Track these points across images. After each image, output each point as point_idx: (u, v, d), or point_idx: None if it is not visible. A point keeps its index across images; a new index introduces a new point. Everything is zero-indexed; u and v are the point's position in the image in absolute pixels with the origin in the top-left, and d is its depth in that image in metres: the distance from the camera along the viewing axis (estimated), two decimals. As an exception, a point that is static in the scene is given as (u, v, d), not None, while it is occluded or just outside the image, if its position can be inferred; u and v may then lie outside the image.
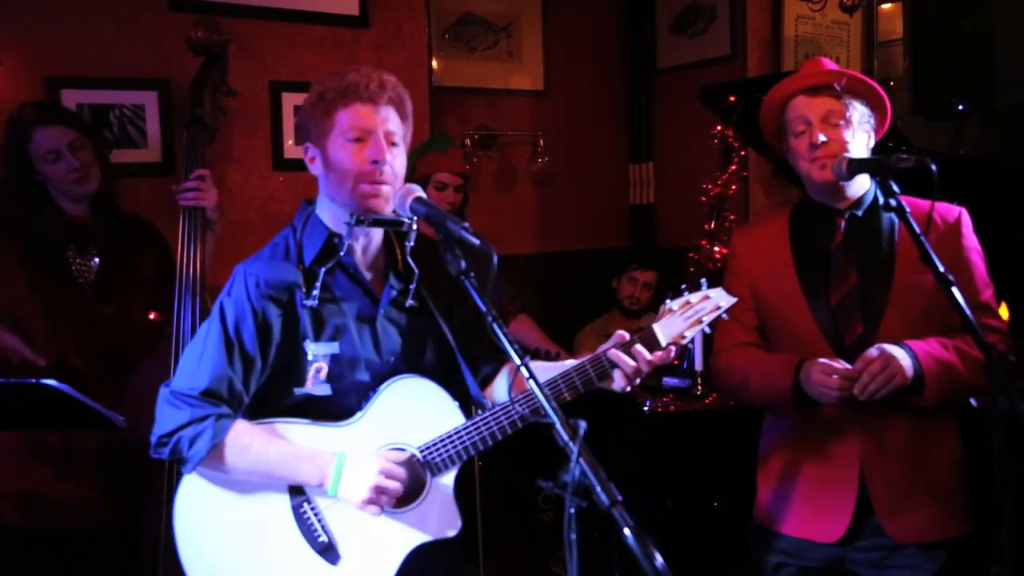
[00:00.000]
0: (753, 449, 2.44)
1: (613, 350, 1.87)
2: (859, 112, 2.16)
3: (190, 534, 1.90)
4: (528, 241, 4.96)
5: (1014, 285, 2.21)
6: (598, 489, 1.36)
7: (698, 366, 3.32)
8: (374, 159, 1.86)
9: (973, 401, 1.68)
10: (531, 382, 1.50)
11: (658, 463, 3.37)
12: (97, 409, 2.12)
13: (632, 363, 1.85)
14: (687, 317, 1.91)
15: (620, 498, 1.36)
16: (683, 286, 1.95)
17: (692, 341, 1.94)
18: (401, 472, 1.85)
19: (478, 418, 1.90)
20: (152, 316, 2.80)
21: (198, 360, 1.88)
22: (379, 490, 1.81)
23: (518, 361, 1.51)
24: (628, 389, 1.88)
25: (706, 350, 3.28)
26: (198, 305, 2.66)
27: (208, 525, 1.91)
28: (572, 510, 1.38)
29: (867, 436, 2.15)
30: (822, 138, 2.11)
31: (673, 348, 1.89)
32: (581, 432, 1.42)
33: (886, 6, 5.15)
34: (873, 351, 2.01)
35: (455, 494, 1.93)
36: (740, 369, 2.28)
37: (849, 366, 2.04)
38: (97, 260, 2.73)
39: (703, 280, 1.95)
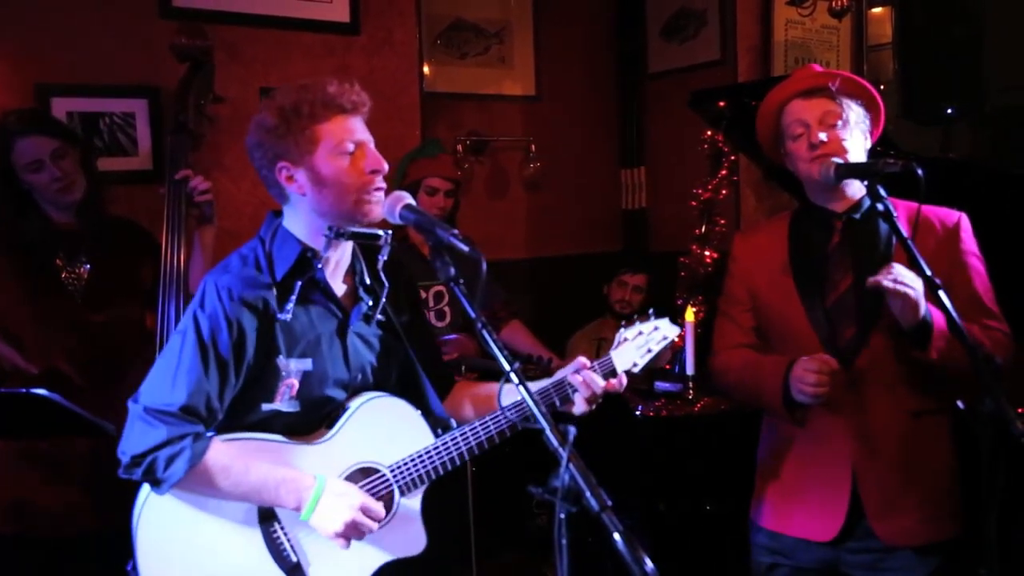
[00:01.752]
0: (745, 452, 2.45)
1: (574, 375, 1.95)
2: (855, 113, 2.17)
3: (153, 550, 1.84)
4: (520, 246, 4.97)
5: (1004, 288, 2.22)
6: (588, 494, 1.37)
7: (689, 370, 3.32)
8: (373, 169, 1.84)
9: (960, 403, 1.69)
10: (521, 388, 1.51)
11: (650, 467, 3.37)
12: (88, 418, 2.12)
13: (590, 388, 1.93)
14: (639, 346, 2.08)
15: (610, 503, 1.36)
16: (634, 316, 2.14)
17: (641, 369, 2.08)
18: (379, 511, 1.84)
19: (447, 438, 1.91)
20: (150, 323, 2.79)
21: (173, 375, 1.80)
22: (354, 526, 1.80)
23: (507, 367, 1.52)
24: (586, 413, 1.96)
25: (700, 353, 3.29)
26: (182, 306, 2.65)
27: (173, 540, 1.84)
28: (562, 515, 1.38)
29: (858, 438, 2.15)
30: (822, 137, 2.12)
31: (624, 377, 2.01)
32: (571, 438, 1.43)
33: (876, 10, 5.17)
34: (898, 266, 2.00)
35: (421, 513, 1.94)
36: (735, 370, 2.31)
37: (834, 361, 2.05)
38: (87, 267, 2.73)
39: (651, 310, 2.12)
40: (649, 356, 2.07)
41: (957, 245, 2.18)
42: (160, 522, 1.85)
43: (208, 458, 1.78)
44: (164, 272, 2.68)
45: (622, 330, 2.08)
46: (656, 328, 2.10)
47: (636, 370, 2.05)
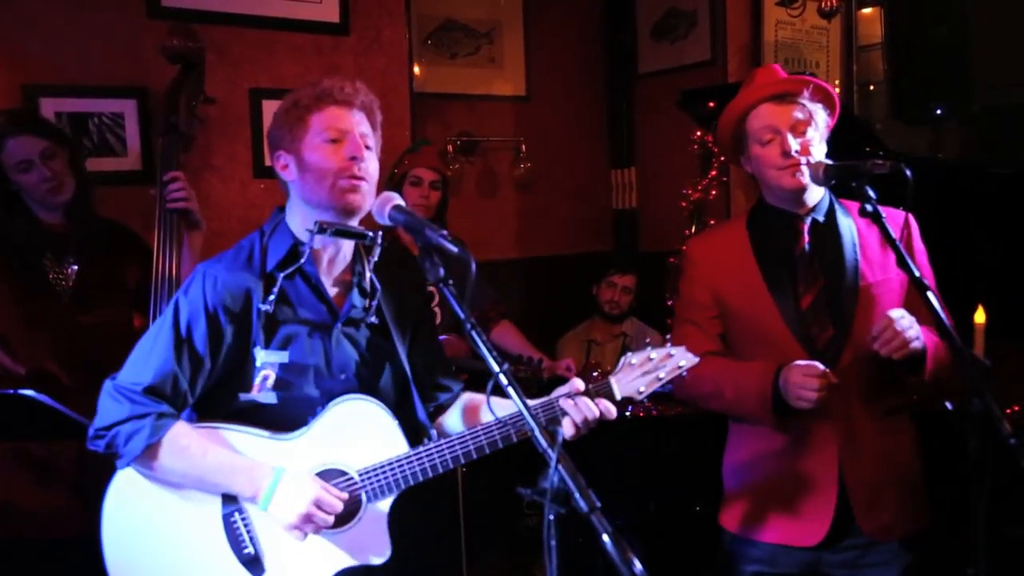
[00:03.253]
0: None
1: (565, 398, 1.87)
2: (821, 118, 2.18)
3: (116, 530, 1.88)
4: (511, 246, 4.97)
5: (991, 287, 2.23)
6: (577, 495, 1.37)
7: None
8: (351, 155, 1.85)
9: (948, 404, 1.69)
10: (510, 389, 1.51)
11: (640, 468, 3.37)
12: (76, 419, 2.11)
13: (582, 414, 1.85)
14: (646, 371, 1.94)
15: (599, 504, 1.37)
16: (647, 340, 2.00)
17: (645, 397, 1.95)
18: (336, 505, 1.83)
19: (421, 449, 1.89)
20: (137, 323, 2.78)
21: (147, 355, 1.86)
22: (308, 519, 1.80)
23: (496, 369, 1.52)
24: (574, 437, 1.86)
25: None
26: None
27: (136, 524, 1.88)
28: (551, 517, 1.38)
29: (844, 439, 2.17)
30: (796, 146, 2.12)
31: (613, 410, 1.89)
32: (559, 439, 1.43)
33: (866, 10, 5.19)
34: (894, 313, 2.01)
35: (388, 522, 1.92)
36: (710, 378, 2.24)
37: (828, 370, 2.05)
38: (75, 268, 2.72)
39: (668, 336, 2.00)
40: (657, 385, 1.94)
41: (909, 244, 2.20)
42: (124, 506, 1.88)
43: (167, 438, 1.81)
44: (156, 273, 2.67)
45: (628, 355, 1.95)
46: (670, 355, 1.95)
47: (640, 398, 1.93)
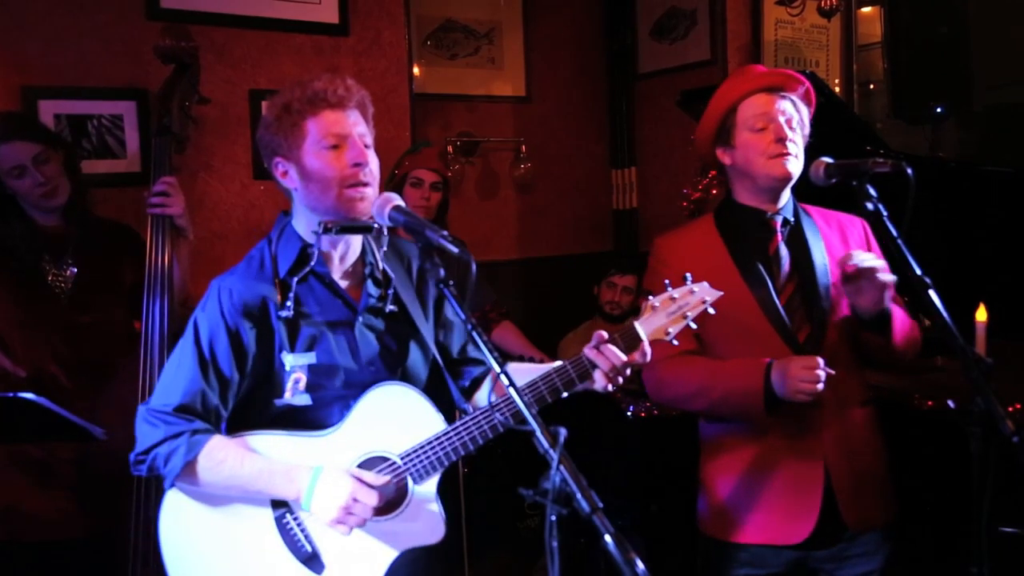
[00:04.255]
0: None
1: (591, 349, 1.85)
2: (807, 120, 2.24)
3: (175, 547, 1.91)
4: (511, 247, 4.96)
5: (991, 286, 2.22)
6: (579, 496, 1.37)
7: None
8: (356, 162, 1.85)
9: (951, 403, 1.69)
10: (511, 389, 1.51)
11: (642, 467, 3.37)
12: (76, 422, 2.11)
13: (609, 361, 1.83)
14: (670, 312, 1.90)
15: (601, 504, 1.36)
16: (666, 282, 1.92)
17: (673, 337, 1.91)
18: (372, 494, 1.82)
19: (458, 424, 1.89)
20: (137, 325, 2.78)
21: (173, 377, 1.89)
22: (347, 512, 1.81)
23: (497, 368, 1.51)
24: (609, 388, 1.86)
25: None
26: (167, 307, 2.64)
27: (192, 538, 1.91)
28: (553, 517, 1.38)
29: (828, 432, 2.18)
30: (791, 134, 2.16)
31: (649, 349, 1.87)
32: (561, 439, 1.42)
33: (866, 9, 5.19)
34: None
35: (438, 500, 1.93)
36: (692, 379, 2.23)
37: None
38: (74, 270, 2.72)
39: (687, 275, 1.91)
40: (684, 323, 1.89)
41: (868, 247, 2.26)
42: (179, 521, 1.91)
43: (203, 453, 1.83)
44: (148, 273, 2.66)
45: (650, 298, 1.90)
46: (693, 292, 1.90)
47: (669, 339, 1.89)
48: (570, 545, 1.36)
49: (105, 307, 2.75)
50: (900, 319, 2.15)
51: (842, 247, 2.25)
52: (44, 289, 2.67)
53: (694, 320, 1.91)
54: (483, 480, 3.37)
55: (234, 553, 1.90)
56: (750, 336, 2.21)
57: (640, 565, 1.29)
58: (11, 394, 2.00)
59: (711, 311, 1.90)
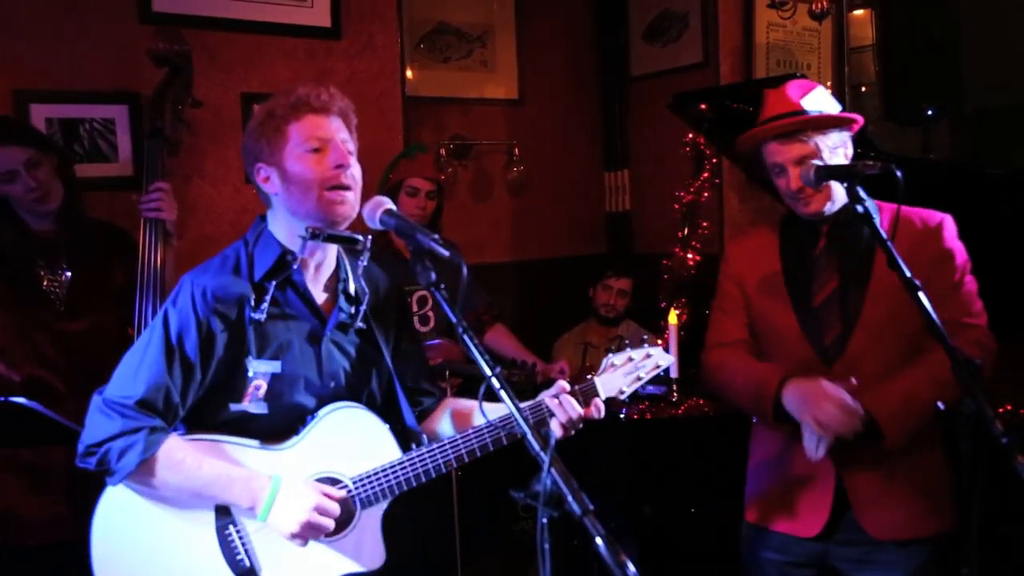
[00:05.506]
0: (729, 455, 2.46)
1: (551, 398, 1.91)
2: (831, 140, 2.19)
3: (107, 549, 1.85)
4: (504, 249, 4.97)
5: (983, 288, 2.23)
6: (570, 498, 1.37)
7: (673, 373, 3.33)
8: (338, 163, 1.84)
9: (940, 404, 1.69)
10: (503, 393, 1.51)
11: (635, 470, 3.38)
12: (69, 426, 2.10)
13: (567, 414, 1.89)
14: (627, 373, 2.03)
15: (592, 507, 1.36)
16: (626, 342, 2.08)
17: (627, 396, 2.04)
18: (335, 509, 1.82)
19: (413, 454, 1.89)
20: (130, 331, 2.77)
21: (136, 368, 1.83)
22: (310, 526, 1.79)
23: (488, 372, 1.52)
24: (562, 438, 1.90)
25: (684, 356, 3.30)
26: (159, 306, 2.63)
27: (127, 541, 1.86)
28: (544, 520, 1.38)
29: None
30: (796, 184, 2.17)
31: (602, 407, 1.96)
32: (552, 442, 1.42)
33: (858, 12, 5.20)
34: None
35: (381, 528, 1.92)
36: (728, 369, 2.35)
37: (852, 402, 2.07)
38: (68, 274, 2.71)
39: (644, 337, 2.04)
40: (638, 384, 2.04)
41: (938, 244, 2.21)
42: (115, 520, 1.86)
43: (161, 452, 1.79)
44: (141, 274, 2.66)
45: (610, 356, 2.04)
46: (648, 356, 2.06)
47: (623, 397, 2.02)
48: (562, 547, 1.37)
49: (98, 311, 2.74)
50: (890, 417, 2.10)
51: (906, 249, 2.09)
52: (38, 294, 2.67)
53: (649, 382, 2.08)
54: (477, 482, 3.37)
55: (167, 560, 1.85)
56: (780, 335, 2.30)
57: (631, 567, 1.29)
58: (4, 398, 2.00)
59: (662, 375, 2.08)
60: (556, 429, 1.90)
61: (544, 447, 1.41)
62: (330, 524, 1.82)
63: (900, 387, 2.12)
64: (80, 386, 2.63)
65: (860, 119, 2.25)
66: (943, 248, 2.21)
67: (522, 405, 1.85)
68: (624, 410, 3.35)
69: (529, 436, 1.44)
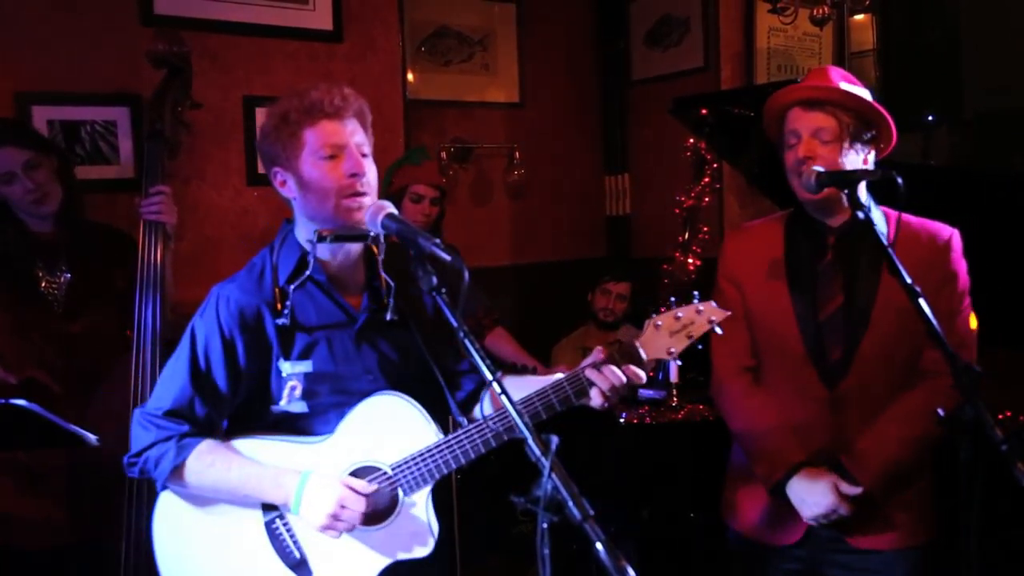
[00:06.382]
0: (728, 459, 2.45)
1: (590, 368, 1.85)
2: (855, 128, 2.11)
3: (168, 548, 1.95)
4: (504, 253, 4.97)
5: (982, 294, 2.23)
6: (570, 504, 1.37)
7: (673, 378, 3.33)
8: (352, 172, 1.84)
9: (940, 411, 1.69)
10: (503, 397, 1.51)
11: (634, 474, 3.38)
12: (69, 428, 2.10)
13: (608, 381, 1.83)
14: (674, 332, 1.88)
15: (592, 512, 1.36)
16: (672, 299, 1.91)
17: (677, 356, 1.89)
18: (360, 501, 1.83)
19: (451, 437, 1.89)
20: (129, 333, 2.77)
21: (167, 381, 1.92)
22: (335, 518, 1.81)
23: (490, 377, 1.51)
24: (606, 406, 1.87)
25: (684, 360, 3.29)
26: (159, 310, 2.63)
27: (184, 540, 1.94)
28: (544, 525, 1.38)
29: (835, 452, 2.17)
30: (807, 152, 2.08)
31: (641, 373, 1.86)
32: (553, 447, 1.42)
33: (858, 17, 5.20)
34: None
35: (430, 513, 1.92)
36: (740, 418, 2.30)
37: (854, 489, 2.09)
38: (68, 276, 2.71)
39: (696, 292, 1.90)
40: (689, 343, 1.88)
41: (945, 264, 2.16)
42: (171, 523, 1.96)
43: (192, 456, 1.87)
44: (141, 275, 2.66)
45: (653, 316, 1.88)
46: (699, 311, 1.88)
47: (671, 358, 1.88)
48: (562, 552, 1.36)
49: (98, 314, 2.75)
50: (873, 480, 2.12)
51: (915, 266, 1.98)
52: (37, 296, 2.67)
53: (699, 341, 1.89)
54: (476, 485, 3.37)
55: (224, 556, 1.92)
56: (781, 350, 2.22)
57: (631, 572, 1.29)
58: (2, 400, 1.99)
59: (718, 331, 1.88)
60: (595, 398, 1.85)
61: (545, 452, 1.41)
62: (355, 517, 1.82)
63: (886, 458, 2.12)
64: (78, 388, 2.64)
65: (893, 129, 2.17)
66: (949, 270, 2.16)
67: (559, 377, 1.88)
68: (624, 414, 3.35)
69: (530, 440, 1.43)
